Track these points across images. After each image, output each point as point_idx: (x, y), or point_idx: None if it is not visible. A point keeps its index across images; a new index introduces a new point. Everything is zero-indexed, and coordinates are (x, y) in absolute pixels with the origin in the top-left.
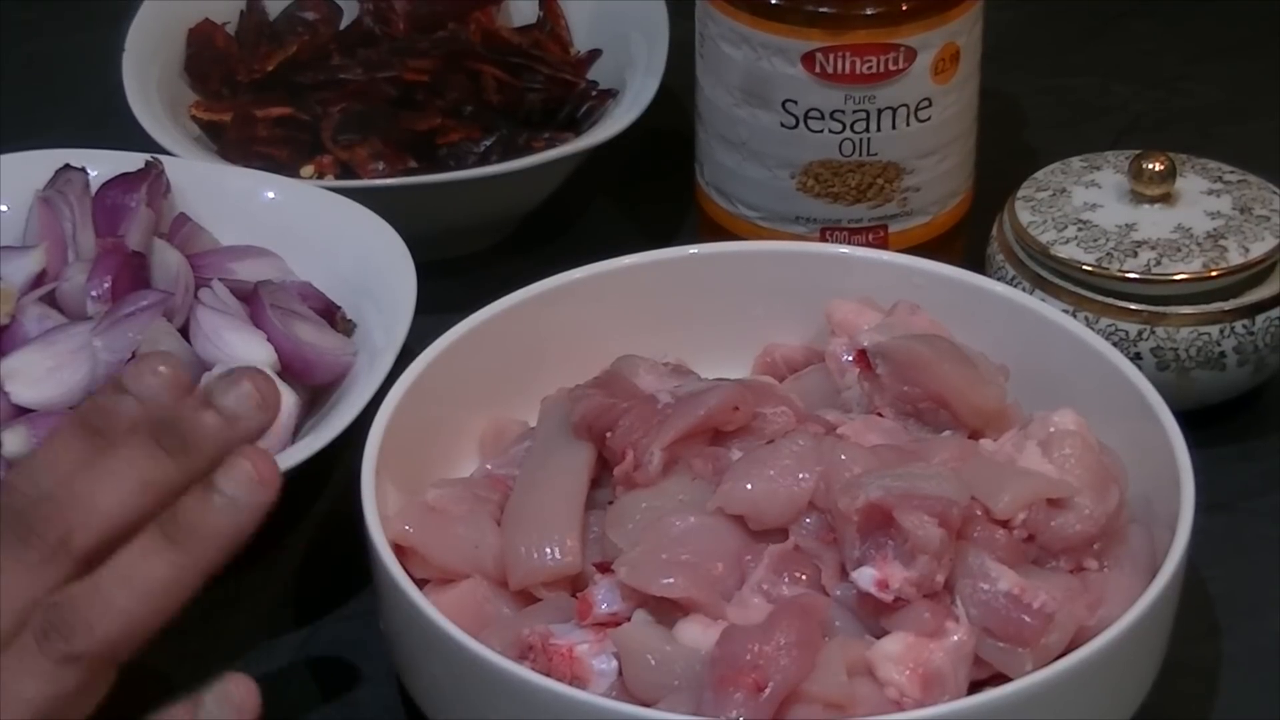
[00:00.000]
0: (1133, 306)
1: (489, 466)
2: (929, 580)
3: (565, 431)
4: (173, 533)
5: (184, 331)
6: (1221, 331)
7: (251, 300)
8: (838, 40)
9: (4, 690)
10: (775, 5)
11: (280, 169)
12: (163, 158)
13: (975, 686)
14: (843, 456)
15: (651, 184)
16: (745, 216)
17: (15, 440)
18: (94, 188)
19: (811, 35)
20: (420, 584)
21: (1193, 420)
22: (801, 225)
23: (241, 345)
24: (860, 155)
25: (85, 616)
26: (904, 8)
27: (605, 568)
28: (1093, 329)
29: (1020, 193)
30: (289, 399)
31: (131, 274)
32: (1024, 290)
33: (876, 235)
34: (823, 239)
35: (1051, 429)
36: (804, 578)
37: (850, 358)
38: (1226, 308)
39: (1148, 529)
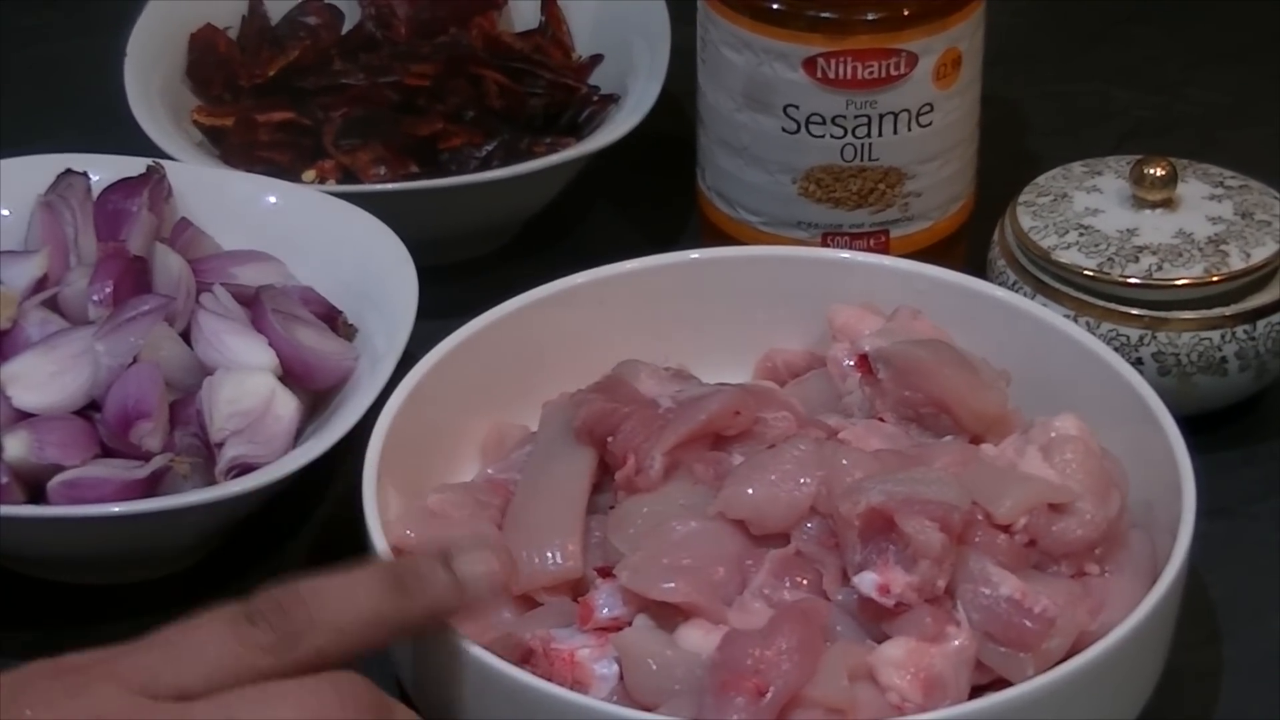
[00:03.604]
0: (1134, 311)
1: (490, 471)
2: (930, 585)
3: (567, 436)
4: (405, 581)
5: (185, 336)
6: (1223, 336)
7: (253, 305)
8: (839, 45)
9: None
10: (777, 10)
11: (282, 174)
12: (164, 162)
13: (976, 691)
14: (844, 461)
15: (653, 189)
16: (747, 221)
17: (17, 445)
18: (96, 192)
19: (813, 40)
20: None
21: (1194, 425)
22: (803, 230)
23: (243, 350)
24: (862, 160)
25: (306, 610)
26: (906, 13)
27: (606, 572)
28: (1094, 334)
29: (1022, 198)
30: (290, 404)
31: (133, 279)
32: (1025, 295)
33: (878, 240)
34: (824, 244)
35: (1053, 434)
36: (805, 582)
37: (852, 363)
38: (1228, 313)
39: (1149, 534)
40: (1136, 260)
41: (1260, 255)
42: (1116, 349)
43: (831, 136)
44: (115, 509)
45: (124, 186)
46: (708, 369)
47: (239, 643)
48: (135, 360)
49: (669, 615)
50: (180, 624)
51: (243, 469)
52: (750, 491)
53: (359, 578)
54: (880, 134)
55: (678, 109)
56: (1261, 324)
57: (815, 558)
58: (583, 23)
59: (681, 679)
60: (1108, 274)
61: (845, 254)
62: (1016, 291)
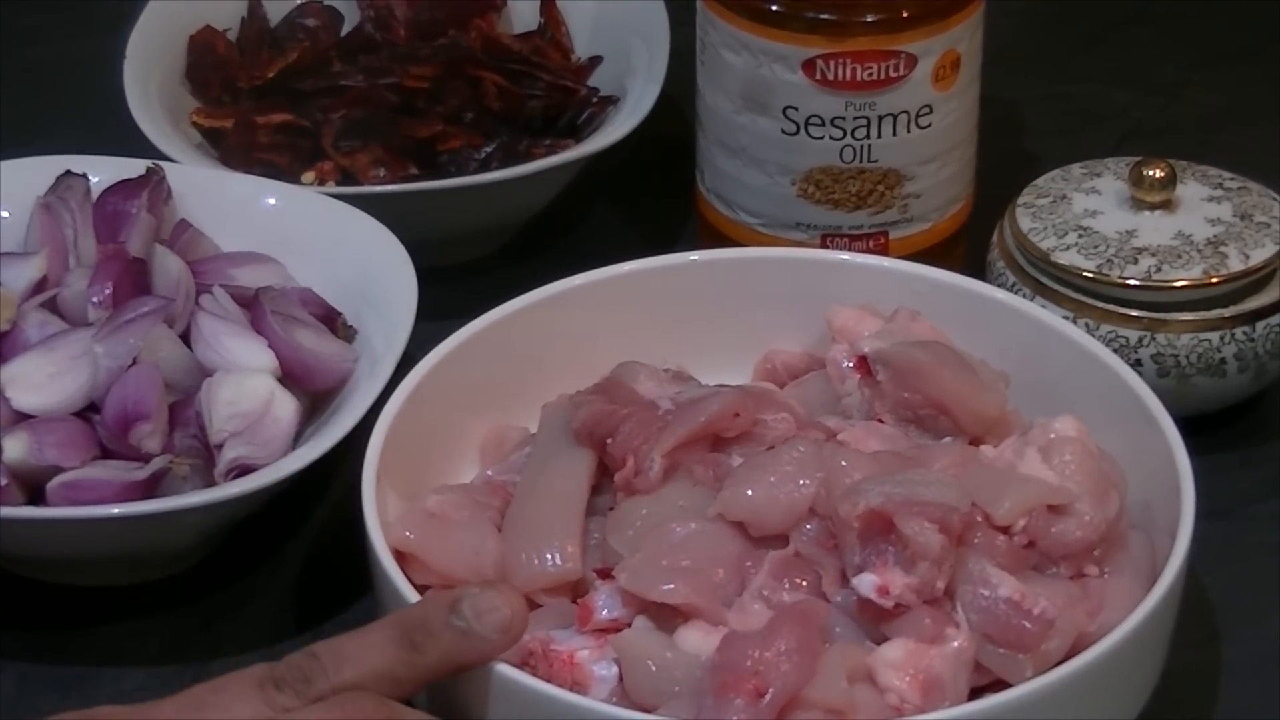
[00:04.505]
0: (1133, 313)
1: (490, 472)
2: (929, 586)
3: (566, 438)
4: (414, 636)
5: (185, 338)
6: (1222, 338)
7: (252, 306)
8: (839, 47)
9: None
10: (776, 12)
11: (281, 175)
12: (164, 164)
13: (975, 693)
14: (843, 463)
15: (652, 190)
16: (746, 223)
17: (16, 446)
18: (95, 194)
19: (812, 42)
20: (421, 590)
21: (1193, 426)
22: (802, 232)
23: (242, 351)
24: (861, 162)
25: (326, 675)
26: (905, 15)
27: (606, 574)
28: (1093, 335)
29: (1021, 199)
30: (290, 405)
31: (132, 280)
32: (1024, 297)
33: (877, 242)
34: (823, 245)
35: (1052, 435)
36: (804, 584)
37: (851, 364)
38: (1227, 314)
39: (1148, 535)
40: (1135, 262)
41: (1259, 257)
42: (1115, 350)
43: (830, 138)
44: (114, 510)
45: (123, 188)
46: (707, 370)
47: (266, 704)
48: (134, 362)
49: (668, 617)
50: (209, 684)
51: (242, 470)
52: (749, 493)
53: (372, 637)
54: (879, 135)
55: (677, 111)
56: (1260, 325)
57: (814, 559)
58: (582, 24)
59: (681, 680)
60: (1107, 275)
61: (844, 255)
62: (1015, 293)
